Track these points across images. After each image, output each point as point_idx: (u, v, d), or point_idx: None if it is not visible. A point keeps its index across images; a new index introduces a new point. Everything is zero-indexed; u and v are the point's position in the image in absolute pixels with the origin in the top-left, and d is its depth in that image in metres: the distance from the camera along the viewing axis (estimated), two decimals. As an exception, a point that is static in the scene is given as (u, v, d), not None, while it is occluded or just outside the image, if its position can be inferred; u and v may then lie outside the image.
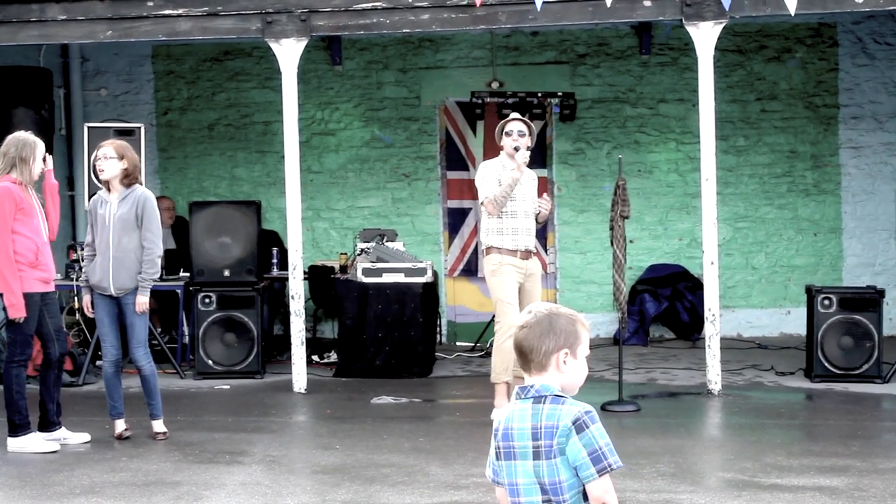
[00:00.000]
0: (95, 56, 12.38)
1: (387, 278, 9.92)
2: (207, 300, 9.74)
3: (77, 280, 9.00)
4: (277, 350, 10.99)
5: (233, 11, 9.16)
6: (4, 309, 7.09)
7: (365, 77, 12.36)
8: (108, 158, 7.28)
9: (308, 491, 6.08)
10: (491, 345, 8.01)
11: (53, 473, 6.51)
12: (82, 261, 7.56)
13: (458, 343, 11.96)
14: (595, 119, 12.26)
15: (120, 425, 7.38)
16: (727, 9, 8.27)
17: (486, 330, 10.78)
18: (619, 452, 2.98)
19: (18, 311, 6.93)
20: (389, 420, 8.02)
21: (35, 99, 10.41)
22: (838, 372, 9.20)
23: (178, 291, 10.23)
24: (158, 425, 7.40)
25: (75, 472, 6.52)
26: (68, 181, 12.05)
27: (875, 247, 12.20)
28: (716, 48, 8.93)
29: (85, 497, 6.00)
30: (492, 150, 9.94)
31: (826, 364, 9.20)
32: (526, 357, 3.07)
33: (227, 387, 9.44)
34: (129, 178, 7.32)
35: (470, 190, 11.08)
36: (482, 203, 7.82)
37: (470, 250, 12.20)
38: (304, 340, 9.23)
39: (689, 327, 11.83)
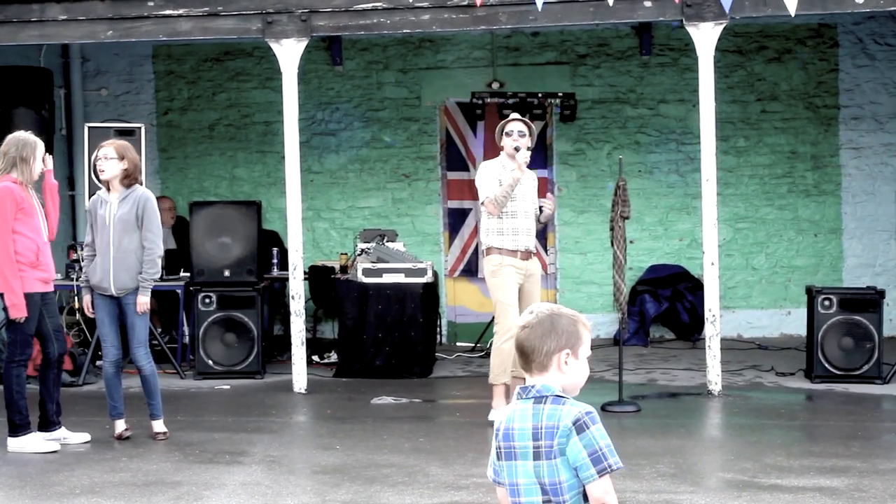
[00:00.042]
0: (96, 56, 12.39)
1: (387, 279, 9.92)
2: (208, 300, 9.75)
3: (77, 280, 9.00)
4: (278, 350, 10.99)
5: (233, 12, 9.16)
6: (5, 309, 7.09)
7: (365, 77, 12.36)
8: (109, 159, 7.28)
9: (308, 491, 6.08)
10: (491, 345, 8.00)
11: (53, 473, 6.51)
12: (82, 261, 7.55)
13: (458, 343, 11.96)
14: (595, 119, 12.26)
15: (120, 425, 7.38)
16: (727, 10, 8.27)
17: (486, 330, 10.78)
18: (620, 453, 2.98)
19: (20, 312, 6.94)
20: (389, 420, 8.02)
21: (36, 99, 10.41)
22: (838, 373, 9.20)
23: (179, 291, 10.23)
24: (158, 425, 7.41)
25: (75, 472, 6.52)
26: (69, 181, 12.06)
27: (875, 247, 12.20)
28: (716, 49, 8.93)
29: (85, 497, 6.00)
30: (492, 150, 9.94)
31: (826, 365, 9.20)
32: (527, 357, 3.07)
33: (228, 387, 9.44)
34: (129, 179, 7.33)
35: (470, 190, 11.07)
36: (482, 203, 7.81)
37: (470, 251, 12.20)
38: (304, 341, 9.23)
39: (690, 328, 11.83)
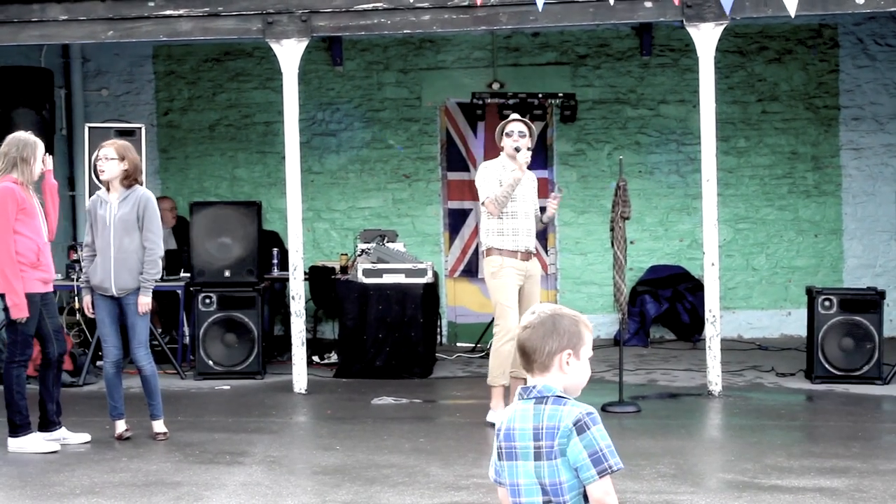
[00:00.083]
0: (96, 56, 12.39)
1: (387, 279, 9.92)
2: (208, 300, 9.75)
3: (77, 280, 9.00)
4: (278, 350, 10.99)
5: (234, 12, 9.16)
6: (5, 309, 7.09)
7: (366, 78, 12.37)
8: (109, 159, 7.28)
9: (308, 492, 6.08)
10: (490, 346, 8.00)
11: (54, 474, 6.51)
12: (81, 261, 7.55)
13: (458, 344, 11.96)
14: (596, 120, 12.26)
15: (120, 426, 7.38)
16: (728, 11, 8.27)
17: (486, 331, 10.78)
18: (620, 453, 2.98)
19: (21, 312, 6.94)
20: (390, 421, 8.02)
21: (36, 99, 10.41)
22: (839, 373, 9.20)
23: (179, 292, 10.23)
24: (159, 426, 7.41)
25: (75, 473, 6.52)
26: (69, 181, 12.06)
27: (876, 248, 12.20)
28: (717, 49, 8.93)
29: (85, 497, 6.00)
30: (492, 150, 9.94)
31: (826, 365, 9.20)
32: (529, 357, 3.07)
33: (228, 387, 9.44)
34: (129, 179, 7.32)
35: (471, 191, 11.07)
36: (483, 203, 7.81)
37: (470, 251, 12.20)
38: (304, 341, 9.23)
39: (690, 328, 11.83)
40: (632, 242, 11.46)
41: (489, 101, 12.02)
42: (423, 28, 9.22)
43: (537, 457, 3.00)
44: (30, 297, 6.96)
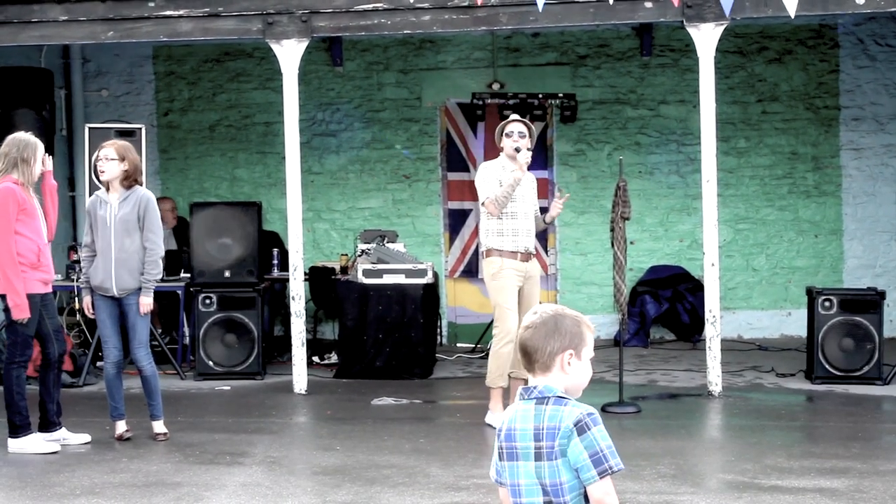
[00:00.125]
0: (96, 57, 12.39)
1: (387, 279, 9.92)
2: (208, 301, 9.75)
3: (77, 281, 8.99)
4: (278, 351, 10.99)
5: (234, 12, 9.16)
6: (5, 310, 7.09)
7: (366, 78, 12.37)
8: (110, 160, 7.28)
9: (308, 492, 6.08)
10: (490, 347, 8.00)
11: (54, 474, 6.51)
12: (81, 261, 7.55)
13: (458, 344, 11.96)
14: (596, 120, 12.26)
15: (121, 426, 7.38)
16: (727, 12, 8.26)
17: (486, 331, 10.77)
18: (620, 454, 2.98)
19: (23, 313, 6.93)
20: (390, 421, 8.02)
21: (36, 100, 10.41)
22: (839, 374, 9.20)
23: (179, 292, 10.23)
24: (159, 426, 7.41)
25: (76, 473, 6.52)
26: (69, 182, 12.06)
27: (876, 248, 12.20)
28: (717, 50, 8.93)
29: (85, 498, 6.00)
30: (492, 151, 9.94)
31: (826, 366, 9.20)
32: (530, 357, 3.07)
33: (228, 388, 9.44)
34: (129, 180, 7.33)
35: (471, 191, 11.07)
36: (483, 203, 7.80)
37: (470, 251, 12.20)
38: (304, 341, 9.24)
39: (690, 329, 11.83)
40: (632, 243, 11.46)
41: (489, 101, 12.02)
42: (423, 28, 9.22)
43: (538, 457, 3.00)
44: (30, 298, 6.96)
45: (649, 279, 12.03)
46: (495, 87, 12.18)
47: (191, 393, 9.24)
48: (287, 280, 9.75)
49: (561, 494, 2.98)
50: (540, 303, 7.45)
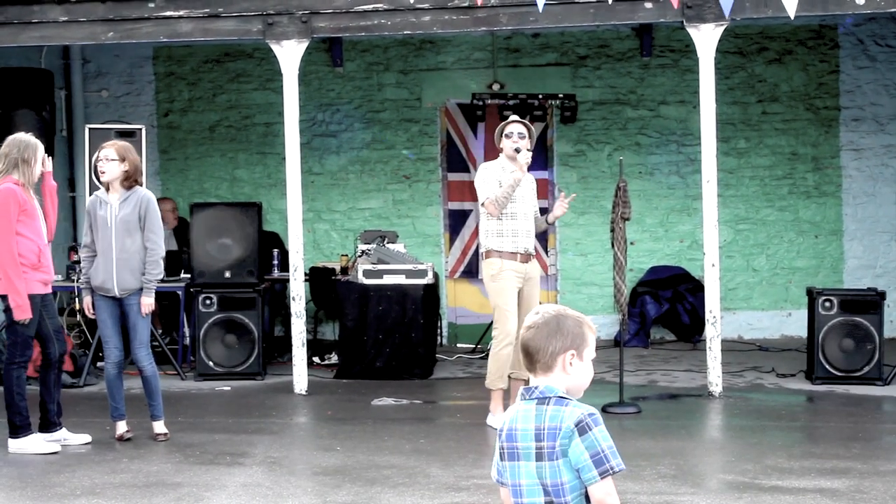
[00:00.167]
0: (97, 57, 12.39)
1: (387, 280, 9.93)
2: (208, 301, 9.75)
3: (77, 281, 8.99)
4: (278, 351, 10.99)
5: (234, 13, 9.17)
6: (5, 310, 7.09)
7: (366, 79, 12.37)
8: (110, 160, 7.28)
9: (309, 492, 6.08)
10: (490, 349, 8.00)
11: (54, 474, 6.51)
12: (81, 261, 7.56)
13: (458, 345, 11.96)
14: (596, 121, 12.26)
15: (121, 427, 7.38)
16: (727, 13, 8.27)
17: (486, 331, 10.77)
18: (620, 454, 2.98)
19: (24, 313, 6.94)
20: (390, 422, 8.02)
21: (36, 100, 10.41)
22: (839, 374, 9.19)
23: (179, 293, 10.23)
24: (159, 426, 7.41)
25: (76, 474, 6.52)
26: (69, 182, 12.06)
27: (876, 249, 12.20)
28: (717, 50, 8.93)
29: (86, 498, 6.00)
30: (492, 151, 9.94)
31: (827, 366, 9.20)
32: (532, 357, 3.07)
33: (228, 388, 9.44)
34: (129, 180, 7.33)
35: (471, 192, 11.04)
36: (482, 204, 7.79)
37: (471, 252, 12.20)
38: (304, 342, 9.23)
39: (690, 329, 11.83)
40: (632, 243, 11.46)
41: (489, 101, 12.02)
42: (423, 29, 9.23)
43: (539, 457, 3.00)
44: (30, 299, 6.96)
45: (649, 280, 12.03)
46: (495, 87, 12.18)
47: (191, 393, 9.24)
48: (287, 280, 9.75)
49: (562, 495, 2.98)
50: (540, 303, 7.45)
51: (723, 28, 8.80)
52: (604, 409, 7.98)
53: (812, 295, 9.34)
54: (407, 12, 9.06)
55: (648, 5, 8.87)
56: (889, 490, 5.96)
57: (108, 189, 7.36)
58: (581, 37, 12.21)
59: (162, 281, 7.77)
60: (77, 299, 8.86)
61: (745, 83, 12.20)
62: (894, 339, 11.52)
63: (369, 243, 10.39)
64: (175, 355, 10.11)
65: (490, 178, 7.77)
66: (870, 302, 9.26)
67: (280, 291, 11.46)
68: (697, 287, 11.55)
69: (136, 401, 7.91)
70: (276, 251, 10.89)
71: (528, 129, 7.84)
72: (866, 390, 9.01)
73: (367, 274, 9.92)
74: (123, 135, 9.24)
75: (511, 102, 11.86)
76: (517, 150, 7.73)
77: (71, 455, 7.05)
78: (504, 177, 7.74)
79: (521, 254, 7.74)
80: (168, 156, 12.48)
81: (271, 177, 12.28)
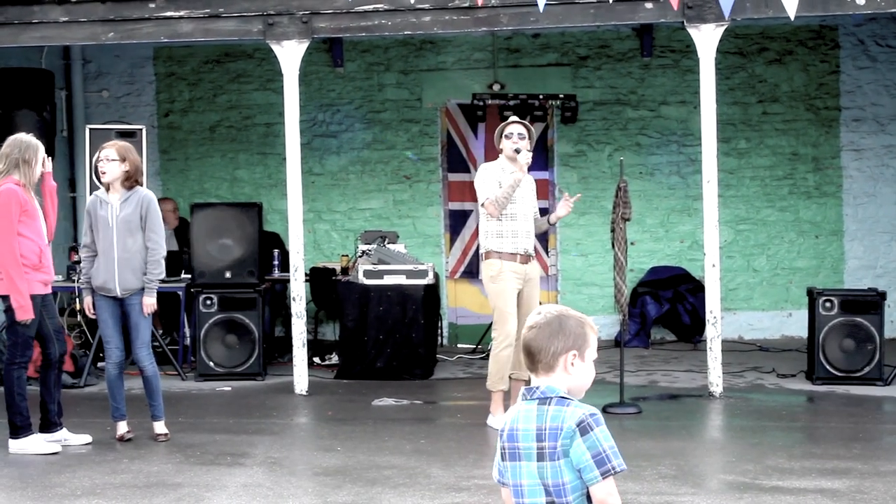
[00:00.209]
0: (97, 58, 12.39)
1: (388, 280, 9.93)
2: (209, 302, 9.75)
3: (78, 281, 9.00)
4: (279, 352, 10.99)
5: (234, 13, 9.17)
6: (6, 311, 7.09)
7: (366, 79, 12.37)
8: (110, 160, 7.28)
9: (309, 493, 6.08)
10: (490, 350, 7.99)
11: (55, 475, 6.51)
12: (81, 262, 7.56)
13: (459, 345, 11.97)
14: (596, 121, 12.26)
15: (122, 427, 7.38)
16: (727, 13, 8.26)
17: (486, 332, 10.77)
18: (621, 455, 2.98)
19: (26, 313, 6.93)
20: (391, 422, 8.02)
21: (37, 101, 10.42)
22: (840, 374, 9.19)
23: (180, 293, 10.23)
24: (160, 427, 7.41)
25: (76, 474, 6.52)
26: (70, 183, 12.06)
27: (876, 249, 12.20)
28: (717, 50, 8.93)
29: (86, 498, 6.00)
30: (493, 152, 9.94)
31: (827, 366, 9.20)
32: (534, 357, 3.07)
33: (229, 388, 9.44)
34: (130, 181, 7.33)
35: (471, 192, 11.02)
36: (482, 204, 7.79)
37: (471, 252, 12.20)
38: (305, 342, 9.23)
39: (691, 329, 11.83)
40: (632, 244, 11.46)
41: (490, 102, 12.02)
42: (423, 29, 9.23)
43: (540, 457, 3.00)
44: (31, 299, 6.96)
45: (650, 280, 12.03)
46: (496, 87, 12.18)
47: (191, 394, 9.25)
48: (288, 281, 9.75)
49: (563, 495, 2.98)
50: (541, 304, 7.45)
51: (723, 28, 8.80)
52: (604, 410, 7.97)
53: (812, 295, 9.34)
54: (407, 12, 9.06)
55: (649, 5, 8.87)
56: (890, 490, 5.96)
57: (108, 189, 7.36)
58: (581, 37, 12.21)
59: (162, 281, 7.77)
60: (77, 299, 8.86)
61: (745, 83, 12.20)
62: (895, 339, 11.52)
63: (370, 243, 10.39)
64: (175, 356, 10.11)
65: (490, 178, 7.77)
66: (870, 302, 9.26)
67: (280, 292, 11.46)
68: (698, 287, 11.55)
69: (136, 401, 7.91)
70: (276, 251, 10.89)
71: (528, 130, 7.83)
72: (867, 391, 9.01)
73: (367, 274, 9.92)
74: (124, 135, 9.24)
75: (511, 103, 11.86)
76: (517, 151, 7.72)
77: (71, 455, 7.05)
78: (504, 177, 7.73)
79: (521, 255, 7.73)
80: (168, 156, 12.48)
81: (272, 177, 12.28)
